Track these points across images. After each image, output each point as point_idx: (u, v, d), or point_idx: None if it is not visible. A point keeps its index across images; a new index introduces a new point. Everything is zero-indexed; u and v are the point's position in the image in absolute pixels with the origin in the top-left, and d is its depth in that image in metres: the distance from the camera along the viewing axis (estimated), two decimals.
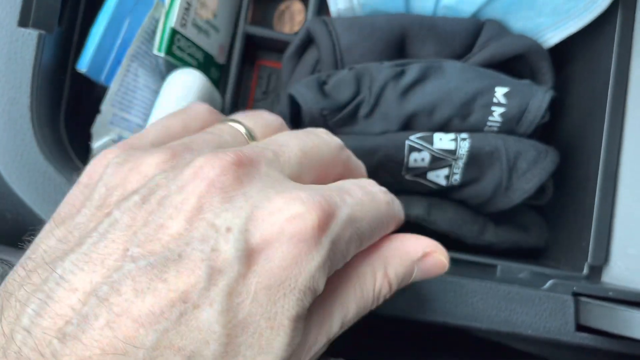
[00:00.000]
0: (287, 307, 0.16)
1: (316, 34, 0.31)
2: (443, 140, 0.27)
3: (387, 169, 0.28)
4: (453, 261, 0.29)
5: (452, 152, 0.28)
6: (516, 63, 0.33)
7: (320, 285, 0.17)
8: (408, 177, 0.28)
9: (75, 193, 0.19)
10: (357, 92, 0.28)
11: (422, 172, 0.28)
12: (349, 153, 0.22)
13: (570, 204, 0.32)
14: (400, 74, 0.29)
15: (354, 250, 0.19)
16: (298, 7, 0.37)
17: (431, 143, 0.27)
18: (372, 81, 0.28)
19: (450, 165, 0.28)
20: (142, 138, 0.21)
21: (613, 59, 0.31)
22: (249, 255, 0.16)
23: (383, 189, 0.21)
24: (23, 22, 0.27)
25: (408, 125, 0.29)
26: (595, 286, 0.27)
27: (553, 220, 0.34)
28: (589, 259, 0.30)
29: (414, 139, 0.27)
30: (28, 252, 0.17)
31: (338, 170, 0.22)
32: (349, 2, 0.32)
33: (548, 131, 0.34)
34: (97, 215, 0.17)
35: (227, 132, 0.21)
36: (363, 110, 0.28)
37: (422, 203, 0.30)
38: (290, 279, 0.16)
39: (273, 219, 0.16)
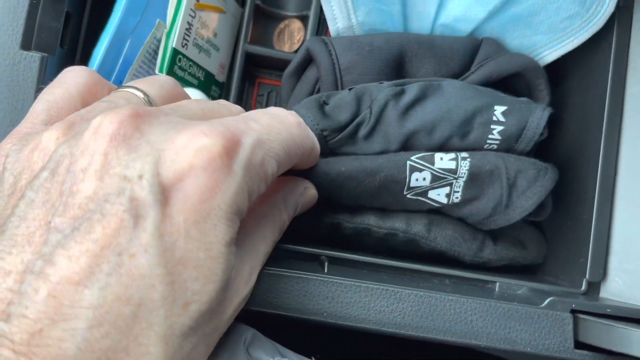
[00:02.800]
0: (221, 236, 0.17)
1: (316, 53, 0.31)
2: (444, 160, 0.28)
3: (389, 189, 0.28)
4: (452, 278, 0.30)
5: (453, 171, 0.28)
6: (513, 80, 0.33)
7: (243, 209, 0.18)
8: (409, 196, 0.29)
9: None
10: (357, 113, 0.29)
11: (423, 191, 0.28)
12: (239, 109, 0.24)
13: (568, 219, 0.32)
14: (400, 93, 0.29)
15: (273, 171, 0.20)
16: (297, 25, 0.38)
17: (432, 163, 0.28)
18: (372, 101, 0.29)
19: (451, 184, 0.28)
20: (32, 122, 0.21)
21: (609, 75, 0.31)
22: (166, 196, 0.16)
23: (292, 112, 0.23)
24: (25, 45, 0.28)
25: (408, 144, 0.29)
26: (594, 303, 0.27)
27: (551, 236, 0.34)
28: (587, 275, 0.30)
29: (415, 159, 0.28)
30: None
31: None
32: (348, 21, 0.32)
33: (545, 146, 0.34)
34: (12, 201, 0.18)
35: (123, 97, 0.21)
36: (363, 131, 0.28)
37: (423, 220, 0.30)
38: (215, 209, 0.17)
39: (181, 157, 0.17)
